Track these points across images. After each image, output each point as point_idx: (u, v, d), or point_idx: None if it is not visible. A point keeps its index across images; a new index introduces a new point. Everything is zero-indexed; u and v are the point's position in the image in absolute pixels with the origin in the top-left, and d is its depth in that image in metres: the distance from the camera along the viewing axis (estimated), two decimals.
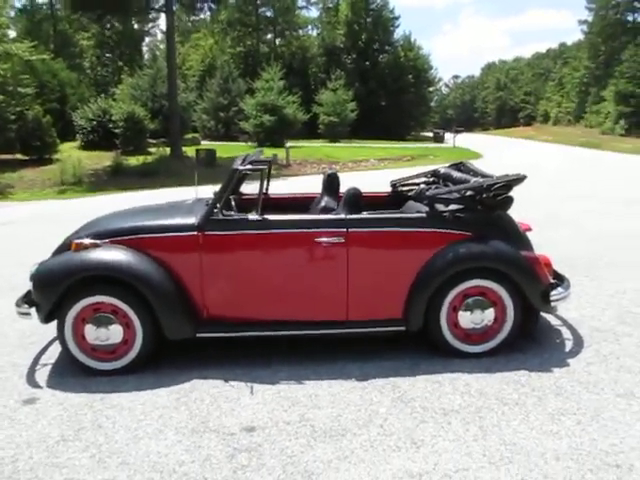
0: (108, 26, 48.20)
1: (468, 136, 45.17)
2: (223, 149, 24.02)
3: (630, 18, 53.44)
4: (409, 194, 4.91)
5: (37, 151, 21.33)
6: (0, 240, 8.74)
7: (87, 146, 24.28)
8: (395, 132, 43.36)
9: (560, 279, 4.36)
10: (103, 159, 21.52)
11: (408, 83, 46.10)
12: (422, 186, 4.84)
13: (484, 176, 4.33)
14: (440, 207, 4.06)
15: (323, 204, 4.48)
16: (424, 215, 3.99)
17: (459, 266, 3.86)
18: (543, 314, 4.42)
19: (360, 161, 23.18)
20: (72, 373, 3.86)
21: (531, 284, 3.93)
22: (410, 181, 5.14)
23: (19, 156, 21.72)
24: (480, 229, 3.99)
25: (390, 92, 45.19)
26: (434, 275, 3.86)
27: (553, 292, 4.05)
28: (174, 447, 3.01)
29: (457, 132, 36.40)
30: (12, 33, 33.94)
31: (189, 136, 30.57)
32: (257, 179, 4.01)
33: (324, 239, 3.82)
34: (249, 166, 4.05)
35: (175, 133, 22.58)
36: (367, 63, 46.78)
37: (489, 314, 3.95)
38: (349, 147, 30.03)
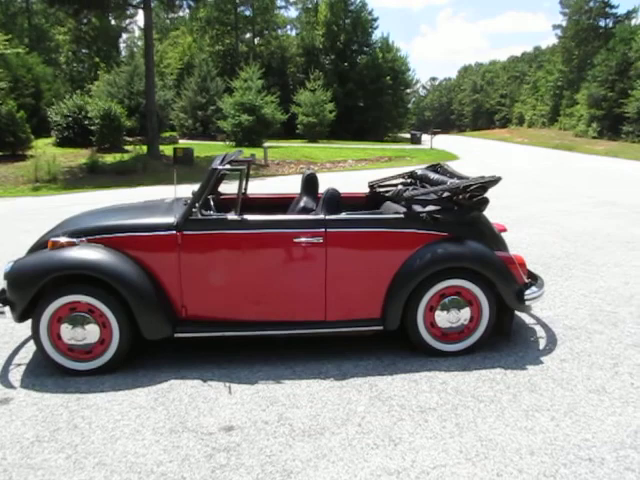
0: (85, 21, 47.39)
1: (445, 138, 45.58)
2: (201, 148, 23.91)
3: (602, 23, 54.60)
4: (387, 195, 4.94)
5: (10, 147, 20.90)
6: None
7: (62, 143, 23.87)
8: (373, 133, 43.60)
9: (534, 279, 4.45)
10: (79, 156, 21.21)
11: (386, 84, 46.29)
12: (400, 187, 4.89)
13: (460, 177, 4.40)
14: (417, 208, 4.11)
15: (302, 204, 4.50)
16: (402, 216, 4.03)
17: (436, 266, 3.91)
18: (518, 313, 4.50)
19: (338, 162, 23.23)
20: (47, 373, 3.82)
21: (506, 284, 4.00)
22: (388, 182, 5.19)
23: None
24: (456, 229, 4.05)
25: (368, 93, 45.38)
26: (411, 275, 3.91)
27: (527, 291, 4.13)
28: (152, 447, 3.00)
29: (434, 134, 36.63)
30: None
31: (167, 134, 30.33)
32: (236, 179, 4.01)
33: (303, 239, 3.84)
34: (228, 166, 4.05)
35: (152, 131, 22.32)
36: (345, 64, 46.87)
37: (465, 313, 4.02)
38: (327, 148, 30.07)
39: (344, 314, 3.99)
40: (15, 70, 26.42)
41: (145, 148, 22.59)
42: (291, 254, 3.89)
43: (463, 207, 4.11)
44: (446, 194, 4.11)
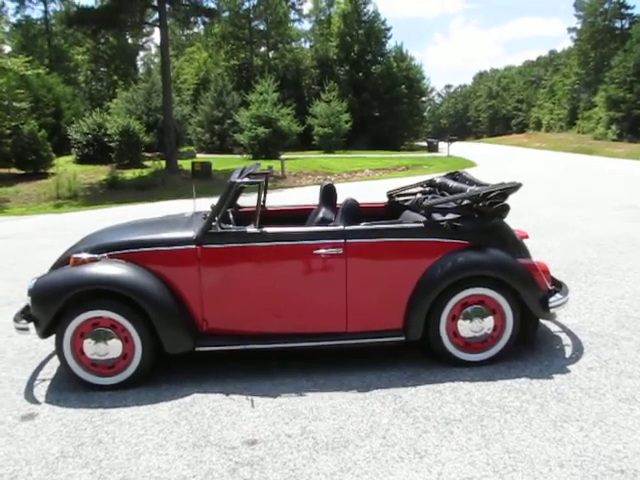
0: (103, 41, 48.35)
1: (462, 145, 45.43)
2: (218, 162, 24.11)
3: (618, 24, 54.08)
4: (406, 204, 4.92)
5: (32, 165, 21.37)
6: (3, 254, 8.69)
7: (82, 160, 24.31)
8: (389, 142, 43.55)
9: (558, 285, 4.37)
10: (98, 173, 21.55)
11: (401, 93, 46.34)
12: (418, 196, 4.87)
13: (480, 185, 4.35)
14: (437, 216, 4.07)
15: (321, 215, 4.49)
16: (422, 225, 4.00)
17: (457, 275, 3.86)
18: (543, 321, 4.42)
19: (355, 172, 23.24)
20: (71, 388, 3.84)
21: (529, 291, 3.94)
22: (406, 191, 5.17)
23: (14, 170, 21.76)
24: (477, 237, 4.00)
25: (384, 102, 45.43)
26: (433, 284, 3.86)
27: (552, 299, 4.06)
28: (175, 462, 2.99)
29: (451, 141, 36.51)
30: (7, 48, 34.15)
31: (184, 149, 30.65)
32: (254, 192, 4.02)
33: (322, 250, 3.82)
34: (246, 179, 4.06)
35: (170, 146, 22.61)
36: (360, 74, 47.02)
37: (488, 322, 3.96)
38: (344, 158, 30.12)
39: (365, 325, 3.95)
40: (36, 90, 26.98)
41: (164, 163, 22.89)
42: (311, 266, 3.88)
43: (484, 214, 4.07)
44: (466, 202, 4.07)
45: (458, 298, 3.92)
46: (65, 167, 22.03)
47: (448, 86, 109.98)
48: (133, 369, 3.81)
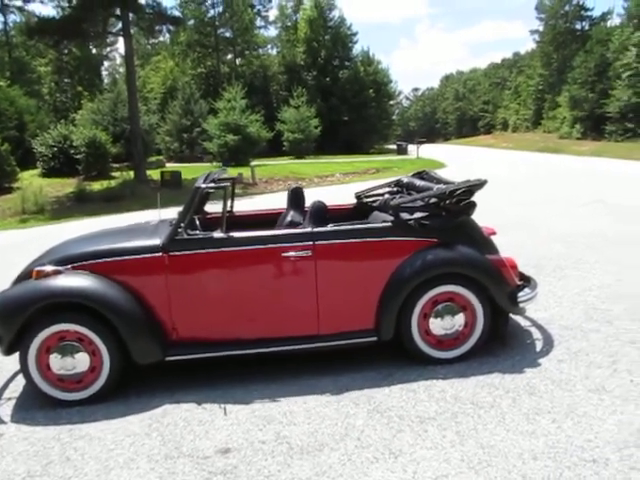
0: (65, 51, 47.60)
1: (430, 147, 45.86)
2: (188, 170, 23.84)
3: (578, 26, 55.37)
4: (374, 205, 4.92)
5: None
6: None
7: (48, 173, 23.76)
8: (359, 146, 43.81)
9: (527, 280, 4.42)
10: (65, 186, 21.11)
11: (369, 97, 46.67)
12: (386, 196, 4.87)
13: (446, 183, 4.38)
14: (405, 215, 4.08)
15: (289, 219, 4.47)
16: (390, 224, 4.00)
17: (427, 273, 3.87)
18: (513, 316, 4.46)
19: (326, 176, 23.27)
20: (38, 406, 3.73)
21: (498, 287, 3.97)
22: (374, 192, 5.17)
23: None
24: (445, 235, 4.02)
25: (352, 107, 45.68)
26: (403, 283, 3.87)
27: (520, 293, 4.10)
28: (147, 475, 2.92)
29: (420, 143, 36.89)
30: None
31: (153, 159, 30.26)
32: (222, 198, 3.97)
33: (291, 253, 3.80)
34: (212, 184, 4.01)
35: (138, 156, 22.31)
36: (328, 79, 47.20)
37: (459, 319, 3.98)
38: (315, 163, 30.16)
39: (337, 327, 3.93)
40: None
41: (132, 174, 22.54)
42: (280, 269, 3.85)
43: (451, 212, 4.09)
44: (433, 200, 4.09)
45: (428, 296, 3.93)
46: (30, 181, 21.52)
47: (416, 89, 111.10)
48: (102, 382, 3.73)
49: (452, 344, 4.02)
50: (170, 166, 28.59)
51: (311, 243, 3.82)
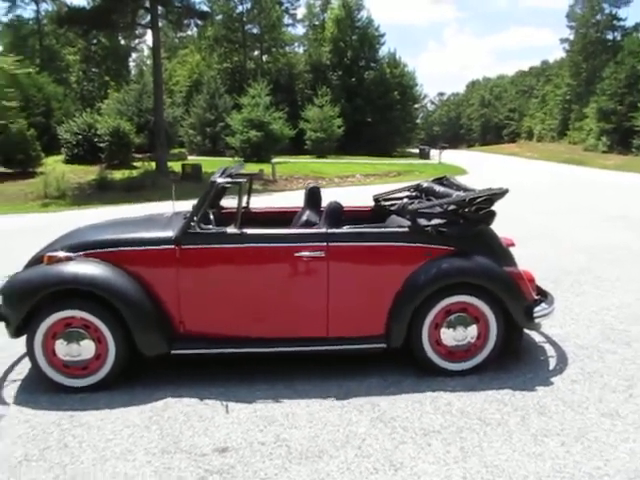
0: (94, 41, 48.16)
1: (453, 153, 45.50)
2: (209, 164, 23.94)
3: (610, 36, 54.54)
4: (392, 209, 4.84)
5: (20, 164, 21.10)
6: None
7: (72, 160, 24.04)
8: (382, 148, 43.55)
9: (544, 295, 4.31)
10: (88, 173, 21.30)
11: (394, 100, 46.42)
12: (405, 200, 4.78)
13: (466, 190, 4.29)
14: (422, 221, 3.99)
15: (305, 218, 4.41)
16: (406, 229, 3.92)
17: (441, 282, 3.78)
18: (527, 331, 4.35)
19: (347, 177, 23.19)
20: (42, 390, 3.71)
21: (514, 300, 3.87)
22: (393, 195, 5.09)
23: (1, 169, 21.46)
24: (463, 244, 3.93)
25: (376, 108, 45.48)
26: (416, 291, 3.79)
27: (537, 308, 3.99)
28: (142, 468, 2.88)
29: (442, 149, 36.61)
30: None
31: (175, 151, 30.48)
32: (239, 193, 3.93)
33: (304, 253, 3.73)
34: (228, 179, 3.97)
35: (161, 148, 22.44)
36: (353, 80, 47.08)
37: (472, 331, 3.88)
38: (336, 163, 30.07)
39: (346, 330, 3.86)
40: (26, 90, 26.68)
41: (154, 164, 22.69)
42: (292, 269, 3.79)
43: (469, 220, 4.00)
44: (452, 207, 4.00)
45: (441, 305, 3.83)
46: (54, 166, 21.78)
47: (441, 93, 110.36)
48: (106, 371, 3.70)
49: (463, 356, 3.92)
50: (192, 159, 28.73)
51: (325, 244, 3.75)
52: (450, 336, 3.87)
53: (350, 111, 43.15)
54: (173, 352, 3.72)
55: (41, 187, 17.90)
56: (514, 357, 4.15)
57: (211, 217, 4.14)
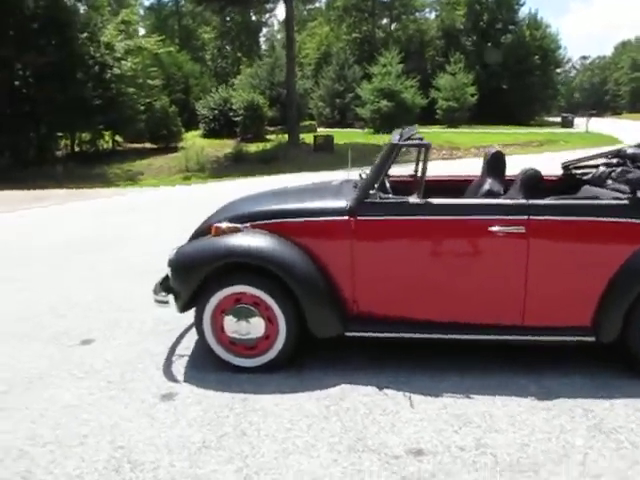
0: (228, 18, 49.78)
1: (599, 121, 41.40)
2: (339, 136, 23.76)
3: None
4: (584, 178, 4.13)
5: (164, 140, 22.34)
6: (135, 224, 8.90)
7: (209, 134, 25.05)
8: (517, 117, 40.58)
9: None
10: (224, 147, 22.03)
11: (534, 64, 42.96)
12: (602, 169, 4.05)
13: None
14: None
15: (487, 187, 3.84)
16: (626, 202, 3.23)
17: None
18: None
19: (484, 147, 21.83)
20: (209, 367, 3.54)
21: None
22: (585, 163, 4.34)
23: (148, 145, 22.88)
24: None
25: (513, 74, 42.35)
26: (637, 276, 3.11)
27: None
28: (330, 468, 2.56)
29: (590, 116, 33.40)
30: (142, 30, 36.10)
31: (306, 123, 30.62)
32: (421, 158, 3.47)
33: (499, 228, 3.19)
34: (408, 141, 3.51)
35: (292, 120, 22.58)
36: (489, 44, 44.29)
37: None
38: (470, 133, 28.54)
39: (546, 319, 3.29)
40: (167, 68, 28.14)
41: (286, 137, 22.93)
42: (484, 245, 3.27)
43: None
44: None
45: None
46: (193, 141, 22.84)
47: (584, 57, 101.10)
48: (275, 352, 3.45)
49: None
50: (321, 131, 28.76)
51: (525, 218, 3.18)
52: None
53: (484, 78, 40.71)
54: (347, 334, 3.38)
55: (183, 161, 18.86)
56: None
57: (387, 185, 3.71)
